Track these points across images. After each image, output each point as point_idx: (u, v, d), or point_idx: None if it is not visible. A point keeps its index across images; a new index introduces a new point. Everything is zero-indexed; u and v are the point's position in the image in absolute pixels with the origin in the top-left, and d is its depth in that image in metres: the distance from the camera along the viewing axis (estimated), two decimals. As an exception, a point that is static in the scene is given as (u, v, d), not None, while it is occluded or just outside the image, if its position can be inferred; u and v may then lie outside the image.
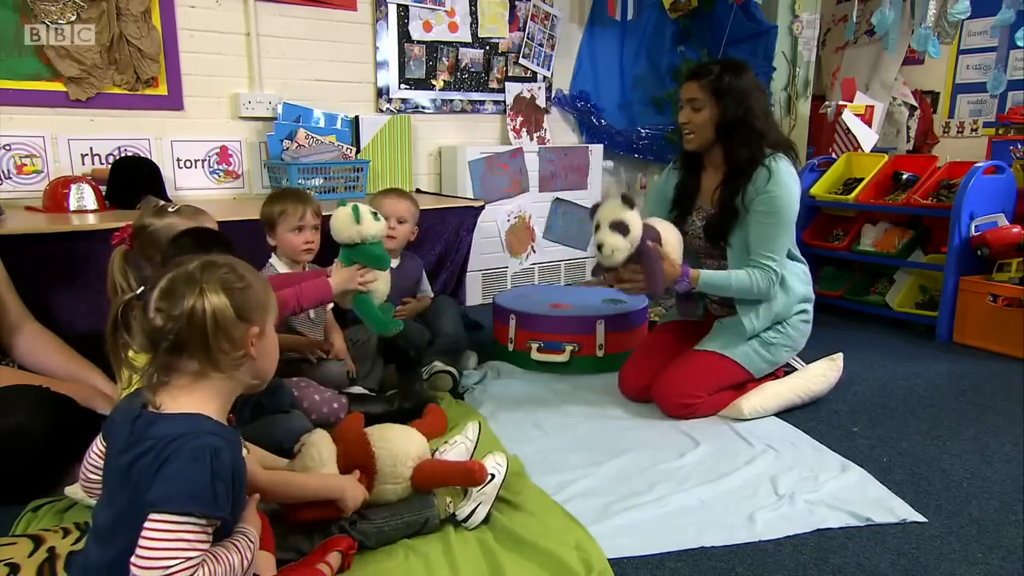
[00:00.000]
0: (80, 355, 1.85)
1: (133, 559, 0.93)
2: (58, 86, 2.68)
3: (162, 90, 2.87)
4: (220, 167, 3.05)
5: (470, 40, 3.64)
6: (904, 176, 3.29)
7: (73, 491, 1.57)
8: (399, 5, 3.38)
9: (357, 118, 3.30)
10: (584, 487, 1.71)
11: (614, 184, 4.26)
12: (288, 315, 1.91)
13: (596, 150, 3.95)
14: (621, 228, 1.93)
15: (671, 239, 2.08)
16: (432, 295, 2.68)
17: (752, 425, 2.09)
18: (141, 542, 0.94)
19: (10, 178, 2.65)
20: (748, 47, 4.01)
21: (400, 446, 1.51)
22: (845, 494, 1.68)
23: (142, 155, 2.84)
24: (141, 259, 1.64)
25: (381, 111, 3.43)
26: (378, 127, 3.35)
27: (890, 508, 1.62)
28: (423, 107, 3.57)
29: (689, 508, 1.62)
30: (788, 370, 2.36)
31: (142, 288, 1.09)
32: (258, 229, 2.18)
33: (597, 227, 1.99)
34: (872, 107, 3.89)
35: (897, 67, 4.45)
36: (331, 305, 2.24)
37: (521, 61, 3.83)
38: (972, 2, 3.38)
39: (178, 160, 2.95)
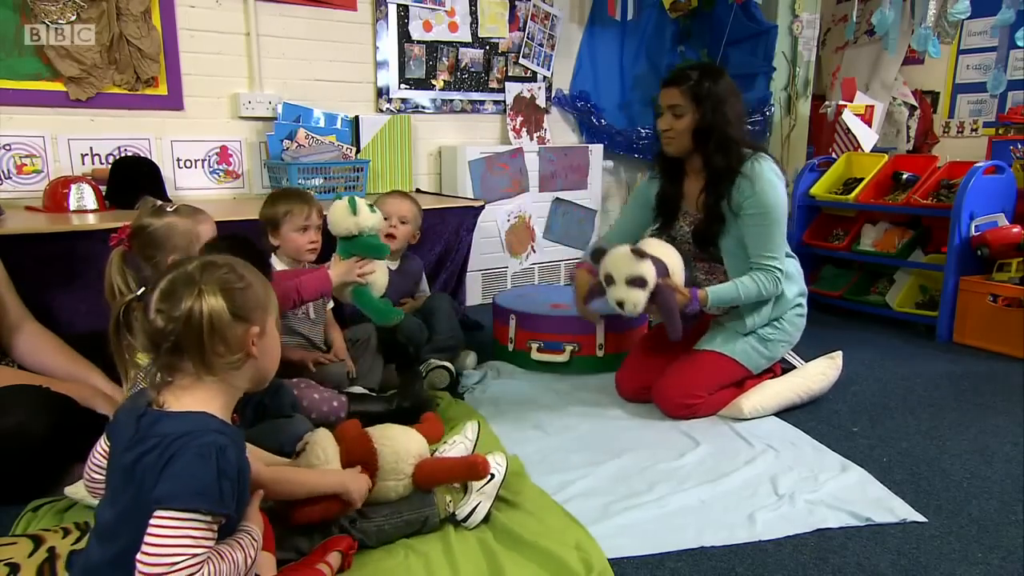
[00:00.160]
0: (80, 355, 1.85)
1: (139, 556, 0.93)
2: (58, 86, 2.67)
3: (162, 90, 2.87)
4: (220, 167, 3.05)
5: (470, 40, 3.64)
6: (904, 176, 3.29)
7: (73, 491, 1.57)
8: (399, 5, 3.38)
9: (357, 118, 3.29)
10: (584, 487, 1.71)
11: (614, 184, 4.26)
12: (289, 308, 1.92)
13: (596, 150, 3.95)
14: (639, 283, 1.93)
15: (675, 266, 2.06)
16: (428, 294, 2.68)
17: (752, 425, 2.09)
18: (147, 539, 0.94)
19: (10, 178, 2.65)
20: (748, 47, 4.02)
21: (401, 443, 1.52)
22: (845, 494, 1.68)
23: (142, 155, 2.84)
24: (140, 260, 1.65)
25: (381, 111, 3.43)
26: (378, 127, 3.35)
27: (890, 508, 1.62)
28: (423, 107, 3.57)
29: (689, 508, 1.62)
30: (786, 367, 2.36)
31: (143, 289, 1.10)
32: (257, 229, 2.18)
33: (609, 280, 1.99)
34: (872, 107, 3.89)
35: (897, 67, 4.45)
36: (331, 304, 2.25)
37: (521, 61, 3.83)
38: (972, 2, 3.38)
39: (178, 160, 2.95)
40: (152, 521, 0.95)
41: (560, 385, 2.42)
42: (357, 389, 2.13)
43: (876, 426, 2.11)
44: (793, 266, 2.27)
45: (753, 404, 2.14)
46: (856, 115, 3.81)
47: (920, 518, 1.59)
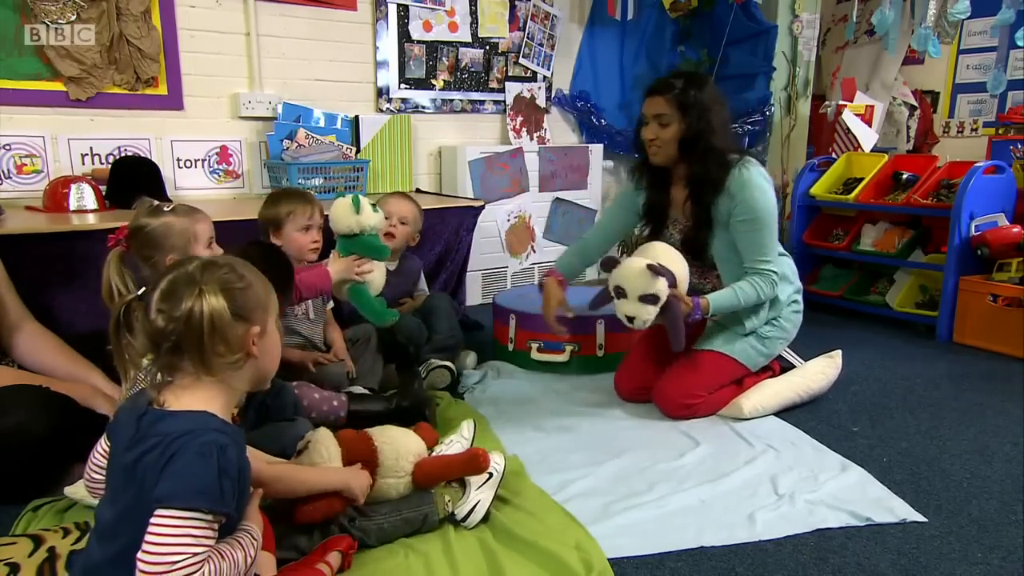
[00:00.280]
0: (80, 355, 1.85)
1: (139, 554, 0.93)
2: (58, 86, 2.67)
3: (162, 90, 2.87)
4: (220, 167, 3.05)
5: (470, 40, 3.64)
6: (904, 176, 3.29)
7: (73, 491, 1.57)
8: (399, 5, 3.38)
9: (357, 118, 3.29)
10: (584, 487, 1.71)
11: (614, 184, 4.26)
12: (289, 305, 1.92)
13: (596, 150, 3.95)
14: (652, 299, 1.93)
15: (682, 275, 2.04)
16: (427, 294, 2.68)
17: (752, 425, 2.09)
18: (147, 537, 0.94)
19: (10, 178, 2.65)
20: (748, 47, 4.01)
21: (401, 442, 1.53)
22: (845, 494, 1.68)
23: (142, 155, 2.84)
24: (138, 260, 1.65)
25: (381, 111, 3.43)
26: (378, 127, 3.35)
27: (890, 508, 1.62)
28: (423, 107, 3.57)
29: (689, 508, 1.62)
30: (786, 367, 2.36)
31: (144, 288, 1.10)
32: (256, 229, 2.17)
33: (620, 293, 1.97)
34: (872, 107, 3.89)
35: (897, 67, 4.45)
36: (331, 304, 2.25)
37: (521, 61, 3.83)
38: (972, 2, 3.38)
39: (178, 160, 2.95)
40: (153, 520, 0.95)
41: (560, 385, 2.42)
42: (357, 389, 2.13)
43: (876, 426, 2.11)
44: (787, 264, 2.27)
45: (753, 404, 2.14)
46: (856, 115, 3.81)
47: (920, 518, 1.59)
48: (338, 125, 3.25)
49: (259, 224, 2.14)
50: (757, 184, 2.06)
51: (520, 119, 3.83)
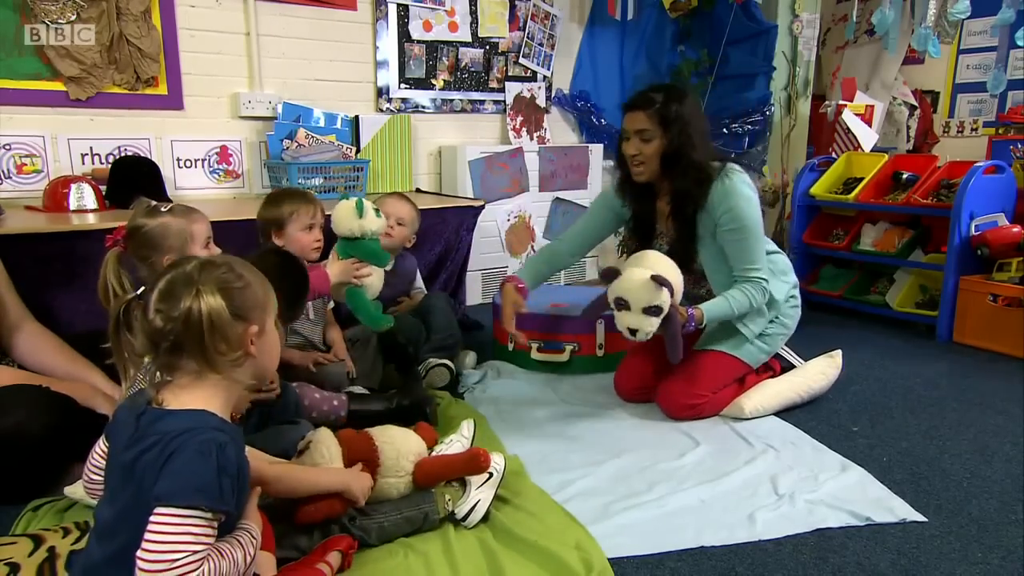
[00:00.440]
0: (80, 355, 1.85)
1: (139, 553, 0.93)
2: (58, 86, 2.67)
3: (162, 90, 2.87)
4: (220, 167, 3.05)
5: (470, 40, 3.64)
6: (904, 176, 3.29)
7: (73, 491, 1.57)
8: (399, 5, 3.38)
9: (357, 118, 3.29)
10: (584, 487, 1.71)
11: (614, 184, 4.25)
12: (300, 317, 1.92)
13: (596, 150, 3.95)
14: (655, 311, 1.91)
15: (678, 285, 2.02)
16: (425, 292, 2.68)
17: (752, 425, 2.09)
18: (147, 535, 0.94)
19: (10, 178, 2.65)
20: (748, 47, 4.01)
21: (401, 442, 1.53)
22: (845, 494, 1.68)
23: (142, 155, 2.84)
24: (135, 260, 1.65)
25: (381, 111, 3.43)
26: (378, 127, 3.35)
27: (890, 508, 1.62)
28: (423, 107, 3.57)
29: (689, 508, 1.62)
30: (786, 366, 2.36)
31: (143, 288, 1.10)
32: (255, 230, 2.17)
33: (621, 304, 1.94)
34: (872, 107, 3.89)
35: (897, 67, 4.45)
36: (331, 304, 2.25)
37: (521, 61, 3.83)
38: (972, 2, 3.38)
39: (178, 160, 2.95)
40: (152, 518, 0.95)
41: (560, 385, 2.42)
42: (357, 389, 2.13)
43: (876, 426, 2.11)
44: (782, 261, 2.28)
45: (754, 404, 2.14)
46: (856, 115, 3.81)
47: (920, 518, 1.59)
48: (338, 125, 3.25)
49: (259, 225, 2.14)
50: (740, 192, 2.05)
51: (520, 119, 3.83)
